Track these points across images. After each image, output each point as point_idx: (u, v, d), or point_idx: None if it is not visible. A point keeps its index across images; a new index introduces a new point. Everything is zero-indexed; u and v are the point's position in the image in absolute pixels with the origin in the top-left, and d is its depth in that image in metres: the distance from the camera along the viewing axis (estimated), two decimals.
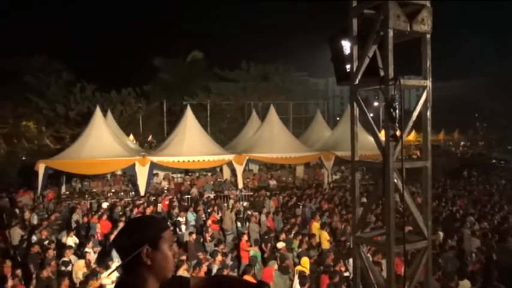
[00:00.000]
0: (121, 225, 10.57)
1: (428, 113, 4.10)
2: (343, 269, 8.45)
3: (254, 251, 9.82)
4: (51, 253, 9.21)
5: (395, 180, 3.84)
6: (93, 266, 8.38)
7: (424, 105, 4.11)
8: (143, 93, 32.14)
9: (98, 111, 18.15)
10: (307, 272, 8.40)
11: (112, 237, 9.66)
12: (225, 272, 7.95)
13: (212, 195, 17.00)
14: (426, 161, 4.10)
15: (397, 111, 3.61)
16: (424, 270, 4.14)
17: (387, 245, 3.82)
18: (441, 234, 10.64)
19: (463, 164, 30.13)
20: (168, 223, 12.64)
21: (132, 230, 1.77)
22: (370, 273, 4.20)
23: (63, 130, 27.38)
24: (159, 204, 15.28)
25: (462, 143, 52.25)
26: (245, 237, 10.42)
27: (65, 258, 8.97)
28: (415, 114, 4.06)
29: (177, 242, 12.05)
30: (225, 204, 15.38)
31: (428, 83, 4.11)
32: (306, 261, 9.08)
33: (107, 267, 8.11)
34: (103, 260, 8.61)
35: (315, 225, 12.16)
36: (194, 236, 10.81)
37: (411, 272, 4.04)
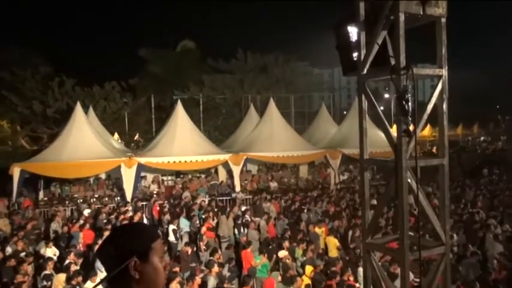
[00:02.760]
0: (106, 234, 10.56)
1: (445, 106, 4.11)
2: (351, 278, 8.48)
3: (263, 263, 9.78)
4: (29, 267, 9.19)
5: (409, 180, 3.84)
6: (76, 280, 8.36)
7: (440, 97, 4.12)
8: (129, 88, 32.03)
9: (79, 108, 18.10)
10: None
11: (96, 247, 9.66)
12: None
13: (207, 200, 17.00)
14: (443, 159, 4.11)
15: (409, 103, 3.62)
16: (442, 279, 4.15)
17: (401, 252, 3.83)
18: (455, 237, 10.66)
19: (483, 161, 30.16)
20: (159, 231, 12.67)
21: (119, 240, 1.76)
22: (382, 283, 4.22)
23: (40, 129, 27.30)
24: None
25: (482, 138, 52.29)
26: (249, 249, 10.38)
27: (47, 272, 8.96)
28: (430, 106, 4.06)
29: (168, 251, 12.09)
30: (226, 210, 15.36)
31: (444, 71, 4.11)
32: (310, 270, 9.11)
33: (90, 280, 8.12)
34: (86, 273, 8.61)
35: (319, 232, 12.19)
36: (188, 245, 10.81)
37: (428, 281, 4.06)
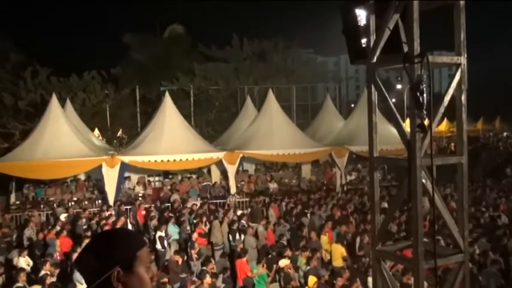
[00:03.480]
0: (86, 241, 10.54)
1: (463, 97, 4.12)
2: None
3: (261, 273, 9.83)
4: None
5: (424, 181, 3.86)
6: None
7: (458, 88, 4.13)
8: (110, 78, 31.97)
9: (55, 101, 18.03)
10: None
11: (75, 256, 9.67)
12: None
13: (198, 203, 17.01)
14: (461, 156, 4.13)
15: (424, 95, 3.63)
16: None
17: (415, 261, 3.85)
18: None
19: (506, 159, 30.31)
20: (145, 239, 12.68)
21: (100, 248, 1.76)
22: None
23: (11, 125, 27.21)
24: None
25: (505, 134, 52.50)
26: (245, 258, 10.43)
27: (19, 284, 8.96)
28: (447, 98, 4.07)
29: (156, 261, 12.10)
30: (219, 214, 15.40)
31: (463, 59, 4.12)
32: (313, 281, 9.15)
33: None
34: (63, 285, 8.61)
35: (323, 239, 12.23)
36: (178, 254, 10.83)
37: None
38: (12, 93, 27.07)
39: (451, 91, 4.09)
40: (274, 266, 10.31)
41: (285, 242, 11.54)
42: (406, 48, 3.95)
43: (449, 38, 4.23)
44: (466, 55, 4.12)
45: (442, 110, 4.03)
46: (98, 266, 1.71)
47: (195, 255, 11.64)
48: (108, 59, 34.45)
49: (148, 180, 21.01)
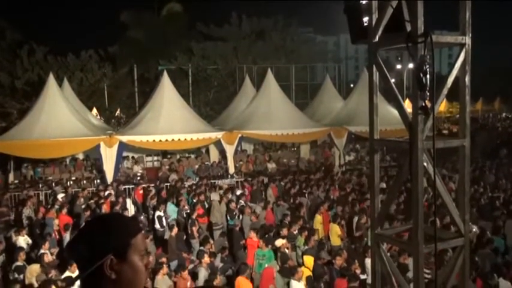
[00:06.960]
0: (84, 221, 10.54)
1: (467, 79, 4.02)
2: (358, 271, 8.56)
3: (268, 249, 9.89)
4: None
5: (425, 164, 3.79)
6: (51, 272, 8.39)
7: (462, 69, 4.02)
8: (108, 57, 31.70)
9: (52, 80, 17.88)
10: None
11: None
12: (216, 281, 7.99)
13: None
14: (463, 139, 4.05)
15: (427, 76, 3.53)
16: (459, 275, 4.14)
17: (414, 244, 3.81)
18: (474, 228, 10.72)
19: (505, 140, 30.30)
20: (143, 218, 12.72)
21: (92, 235, 1.70)
22: (392, 278, 4.21)
23: (8, 104, 27.08)
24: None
25: (504, 114, 52.45)
26: (252, 234, 10.44)
27: (18, 263, 8.98)
28: (451, 80, 3.97)
29: (155, 240, 12.14)
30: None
31: (468, 39, 4.00)
32: (310, 261, 9.20)
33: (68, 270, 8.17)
34: (63, 263, 8.65)
35: (318, 219, 12.27)
36: (176, 230, 10.87)
37: (444, 276, 4.05)
38: (9, 72, 26.89)
39: (454, 72, 3.99)
40: (270, 245, 10.36)
41: (286, 222, 11.53)
42: (409, 27, 3.84)
43: (454, 17, 4.11)
44: (470, 34, 4.02)
45: (445, 91, 3.94)
46: (91, 253, 1.64)
47: (196, 233, 11.68)
48: (105, 37, 34.16)
49: (146, 160, 21.02)
